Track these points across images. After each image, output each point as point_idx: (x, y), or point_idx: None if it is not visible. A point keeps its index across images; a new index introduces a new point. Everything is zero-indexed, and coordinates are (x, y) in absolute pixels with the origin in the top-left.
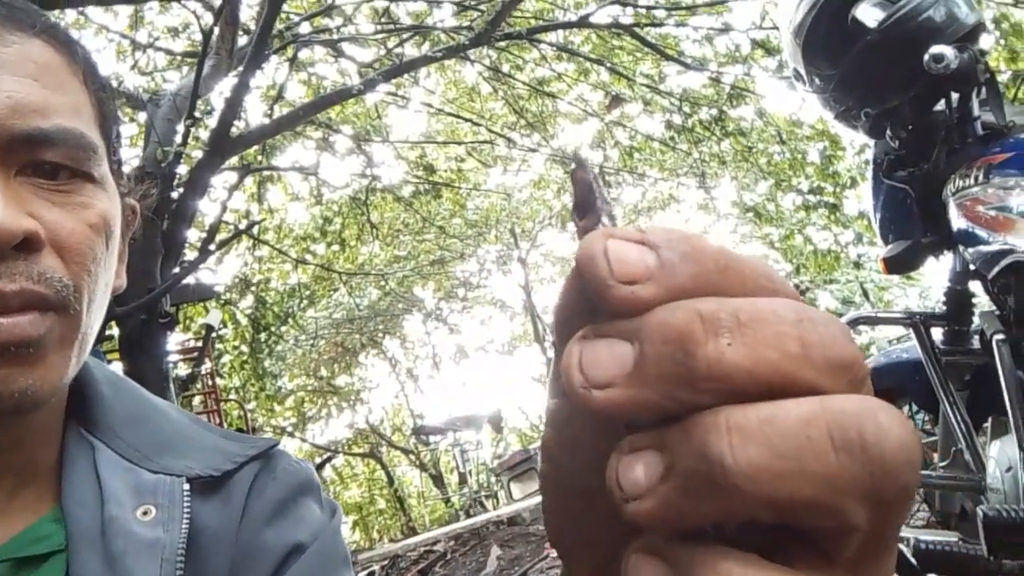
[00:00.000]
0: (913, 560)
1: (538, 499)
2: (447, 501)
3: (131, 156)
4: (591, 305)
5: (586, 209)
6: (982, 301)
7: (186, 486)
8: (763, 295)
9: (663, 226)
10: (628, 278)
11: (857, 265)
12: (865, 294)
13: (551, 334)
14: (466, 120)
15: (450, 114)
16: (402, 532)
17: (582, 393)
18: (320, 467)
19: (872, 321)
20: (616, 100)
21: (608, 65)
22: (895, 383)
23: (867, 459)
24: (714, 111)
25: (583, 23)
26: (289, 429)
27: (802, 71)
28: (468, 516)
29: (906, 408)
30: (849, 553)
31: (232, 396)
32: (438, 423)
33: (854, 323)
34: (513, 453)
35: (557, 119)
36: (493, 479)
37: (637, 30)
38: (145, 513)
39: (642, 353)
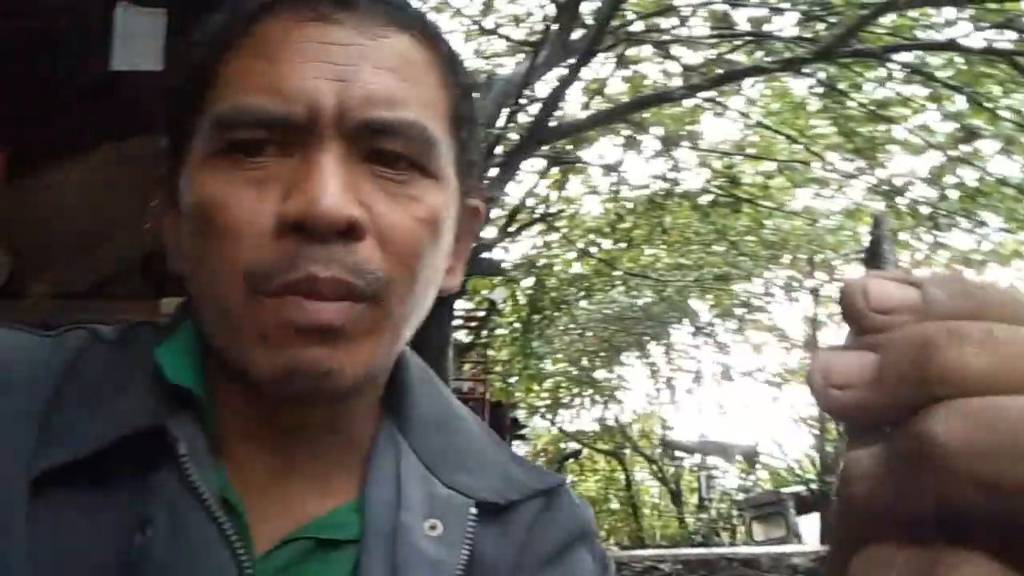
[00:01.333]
0: None
1: (780, 548)
2: (681, 521)
3: None
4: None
5: (876, 261)
6: None
7: (474, 509)
8: None
9: (940, 273)
10: (884, 309)
11: None
12: None
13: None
14: (784, 136)
15: (768, 128)
16: (630, 539)
17: (820, 392)
18: (568, 458)
19: None
20: (970, 135)
21: (968, 92)
22: None
23: None
24: None
25: (951, 46)
26: (543, 411)
27: None
28: (700, 544)
29: None
30: None
31: (497, 369)
32: (688, 441)
33: None
34: (762, 492)
35: (889, 147)
36: (735, 512)
37: (1019, 58)
38: (432, 528)
39: (884, 358)
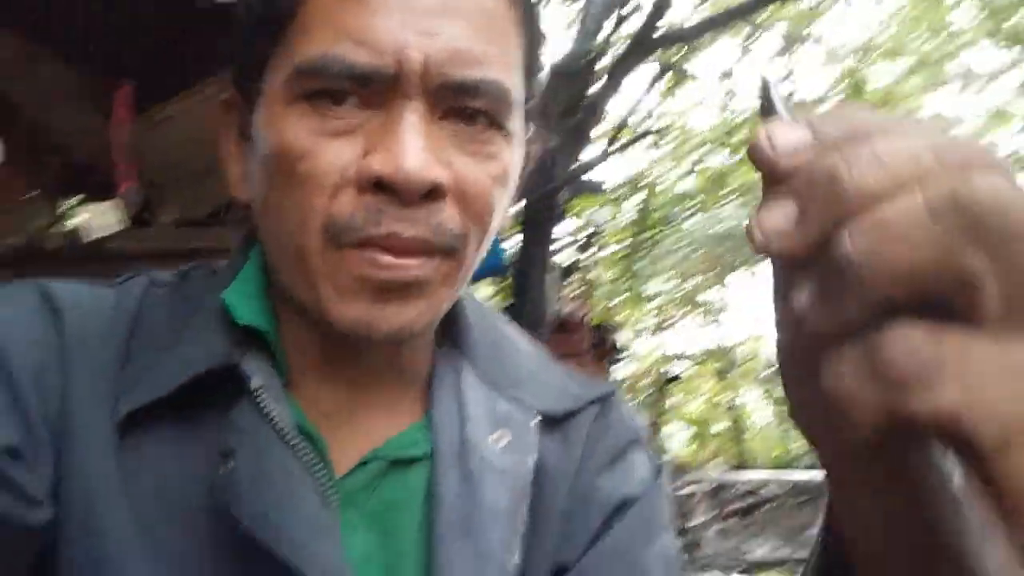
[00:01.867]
0: None
1: None
2: (787, 446)
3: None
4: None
5: (768, 112)
6: None
7: (535, 420)
8: (909, 139)
9: (824, 112)
10: (787, 153)
11: None
12: None
13: None
14: (923, 30)
15: (901, 21)
16: (736, 461)
17: (763, 247)
18: (670, 381)
19: None
20: None
21: None
22: None
23: (968, 214)
24: None
25: None
26: (647, 332)
27: None
28: (807, 467)
29: None
30: (995, 310)
31: (600, 291)
32: None
33: None
34: None
35: None
36: None
37: None
38: (498, 439)
39: (800, 201)
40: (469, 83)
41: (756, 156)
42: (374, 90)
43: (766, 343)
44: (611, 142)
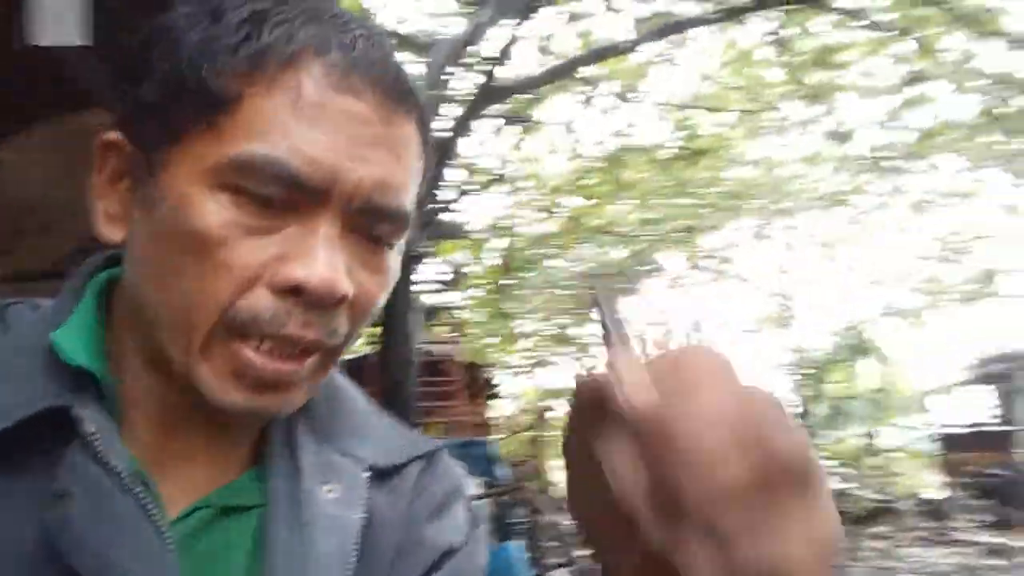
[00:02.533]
0: None
1: None
2: None
3: None
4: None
5: (609, 339)
6: None
7: (366, 473)
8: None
9: (672, 356)
10: (643, 408)
11: None
12: None
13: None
14: (737, 87)
15: (720, 80)
16: None
17: (617, 494)
18: (547, 413)
19: None
20: (917, 77)
21: (913, 37)
22: None
23: (764, 449)
24: None
25: None
26: (521, 370)
27: None
28: None
29: None
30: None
31: (471, 330)
32: None
33: None
34: None
35: (840, 92)
36: None
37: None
38: (330, 491)
39: (643, 459)
40: (385, 211)
41: (608, 397)
42: (298, 199)
43: None
44: (464, 185)
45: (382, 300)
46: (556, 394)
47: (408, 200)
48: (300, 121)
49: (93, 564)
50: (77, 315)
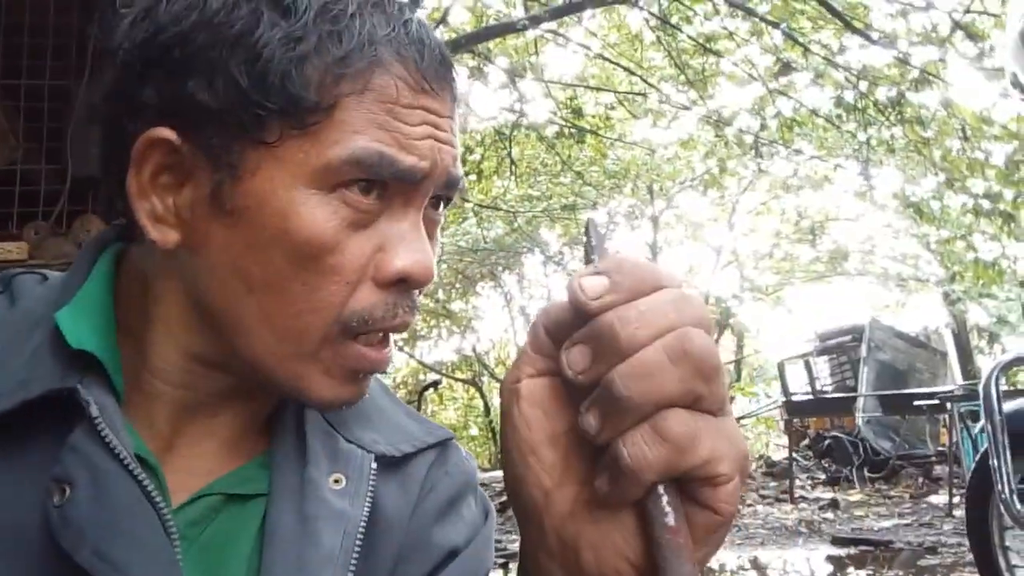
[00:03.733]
0: None
1: None
2: None
3: None
4: (576, 316)
5: (588, 257)
6: None
7: (373, 464)
8: (662, 292)
9: (618, 258)
10: (593, 296)
11: (1023, 284)
12: None
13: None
14: (623, 68)
15: (607, 59)
16: (489, 462)
17: (570, 377)
18: (427, 388)
19: None
20: (786, 68)
21: (784, 29)
22: None
23: (691, 361)
24: (893, 93)
25: None
26: (400, 344)
27: (1023, 78)
28: None
29: None
30: (714, 406)
31: None
32: None
33: (1011, 364)
34: None
35: (718, 79)
36: None
37: None
38: (336, 481)
39: (592, 349)
40: (456, 179)
41: (573, 299)
42: (396, 191)
43: (513, 349)
44: None
45: None
46: (435, 369)
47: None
48: (396, 118)
49: (92, 553)
50: (85, 292)
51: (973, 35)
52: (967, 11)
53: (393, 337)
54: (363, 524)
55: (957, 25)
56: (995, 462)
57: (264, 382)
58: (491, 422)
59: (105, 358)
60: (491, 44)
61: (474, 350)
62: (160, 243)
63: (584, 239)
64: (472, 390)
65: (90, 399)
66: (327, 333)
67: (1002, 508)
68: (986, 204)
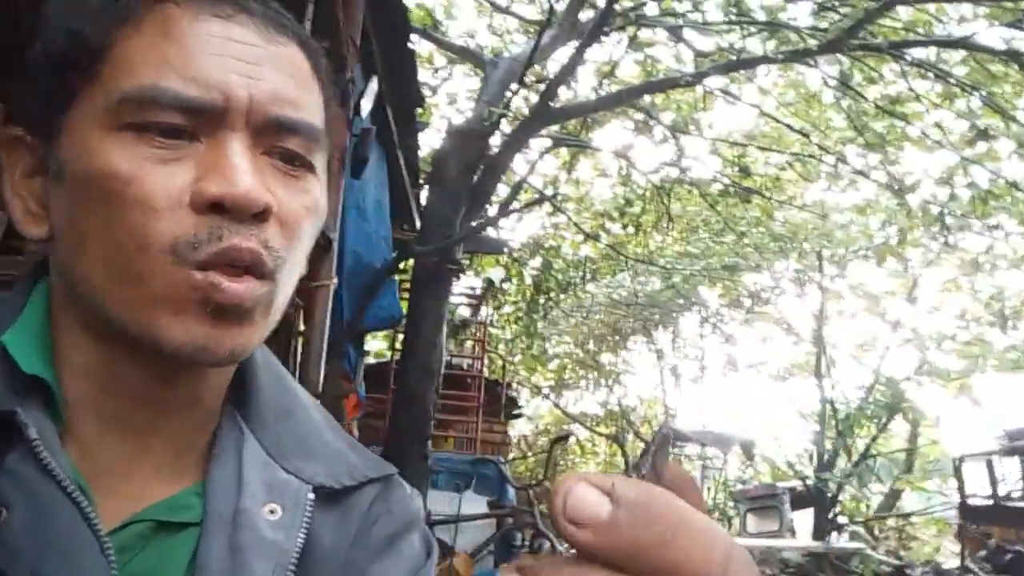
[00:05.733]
0: None
1: (772, 541)
2: None
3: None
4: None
5: (641, 466)
6: None
7: (311, 495)
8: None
9: (646, 485)
10: (575, 519)
11: None
12: None
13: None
14: (796, 130)
15: (779, 121)
16: None
17: None
18: (557, 442)
19: None
20: (982, 134)
21: (983, 93)
22: None
23: None
24: None
25: (964, 43)
26: (546, 391)
27: None
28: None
29: None
30: None
31: (500, 348)
32: (688, 430)
33: None
34: (758, 485)
35: (902, 144)
36: (731, 504)
37: None
38: (272, 512)
39: None
40: (289, 122)
41: (551, 505)
42: (201, 123)
43: (661, 408)
44: (508, 202)
45: (309, 225)
46: (578, 419)
47: (313, 117)
48: (179, 48)
49: (29, 574)
50: (25, 316)
51: None
52: None
53: (254, 284)
54: (295, 556)
55: None
56: None
57: (132, 343)
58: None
59: (51, 383)
60: (657, 99)
61: (620, 405)
62: (35, 236)
63: (646, 448)
64: (615, 447)
65: (29, 422)
66: (162, 268)
67: None
68: None
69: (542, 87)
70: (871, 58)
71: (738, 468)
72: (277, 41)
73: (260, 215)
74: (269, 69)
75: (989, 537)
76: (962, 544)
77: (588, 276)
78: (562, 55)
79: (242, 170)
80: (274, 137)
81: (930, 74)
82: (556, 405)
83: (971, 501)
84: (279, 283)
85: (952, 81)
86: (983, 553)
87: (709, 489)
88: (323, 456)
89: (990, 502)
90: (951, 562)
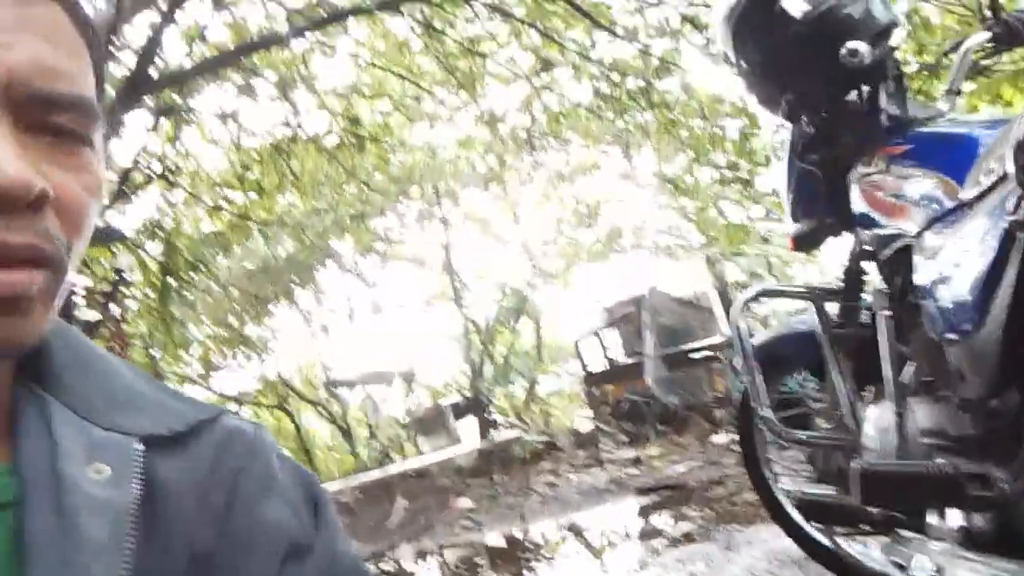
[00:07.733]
0: (795, 509)
1: (446, 454)
2: (355, 454)
3: None
4: None
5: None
6: (876, 279)
7: (139, 445)
8: None
9: None
10: None
11: (765, 240)
12: (770, 268)
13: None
14: (395, 74)
15: (379, 67)
16: None
17: None
18: None
19: (774, 294)
20: (547, 65)
21: (540, 28)
22: (791, 352)
23: None
24: (641, 82)
25: None
26: (195, 377)
27: (731, 55)
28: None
29: (800, 375)
30: None
31: (137, 343)
32: (350, 377)
33: (759, 295)
34: (425, 408)
35: (486, 79)
36: (403, 433)
37: None
38: (98, 472)
39: None
40: (57, 96)
41: None
42: None
43: (318, 365)
44: (120, 187)
45: (93, 205)
46: (238, 400)
47: (83, 86)
48: None
49: None
50: None
51: (699, 26)
52: (690, 3)
53: (33, 272)
54: (133, 507)
55: (685, 18)
56: (751, 387)
57: None
58: (304, 443)
59: None
60: (257, 59)
61: (278, 374)
62: None
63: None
64: (281, 415)
65: None
66: None
67: (762, 426)
68: (728, 173)
69: (128, 57)
70: (448, 3)
71: (404, 398)
72: (29, 3)
73: (35, 203)
74: (26, 36)
75: (607, 396)
76: (592, 407)
77: (219, 250)
78: (146, 21)
79: (7, 154)
80: (42, 113)
81: (496, 15)
82: (209, 389)
83: (591, 371)
84: (64, 271)
85: (516, 19)
86: (607, 409)
87: (379, 426)
88: (145, 407)
89: (606, 368)
90: (586, 425)
